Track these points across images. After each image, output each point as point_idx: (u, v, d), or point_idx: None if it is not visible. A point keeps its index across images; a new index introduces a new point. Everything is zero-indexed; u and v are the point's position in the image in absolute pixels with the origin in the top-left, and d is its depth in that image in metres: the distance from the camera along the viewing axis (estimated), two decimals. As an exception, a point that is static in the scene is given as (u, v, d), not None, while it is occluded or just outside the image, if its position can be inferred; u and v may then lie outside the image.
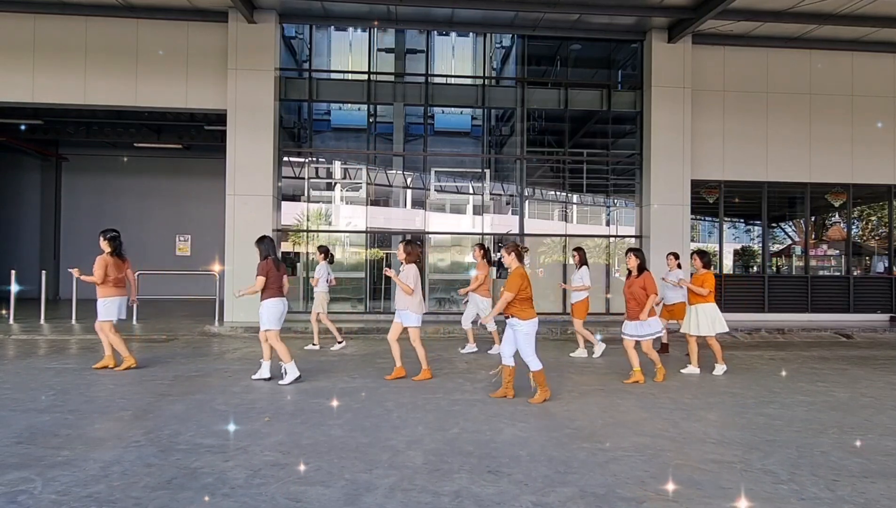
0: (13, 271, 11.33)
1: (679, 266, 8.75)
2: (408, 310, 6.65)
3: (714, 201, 12.81)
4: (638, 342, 6.83)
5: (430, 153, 12.90)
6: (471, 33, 13.17)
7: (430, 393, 6.06)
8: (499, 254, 6.58)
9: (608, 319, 11.88)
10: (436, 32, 12.85)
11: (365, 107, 12.96)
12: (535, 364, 5.74)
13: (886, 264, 13.44)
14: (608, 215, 13.54)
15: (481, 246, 8.74)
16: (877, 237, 14.63)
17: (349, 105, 13.25)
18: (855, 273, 13.31)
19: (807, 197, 13.04)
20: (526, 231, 12.74)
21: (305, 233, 12.61)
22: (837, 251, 13.81)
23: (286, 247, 12.68)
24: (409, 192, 13.60)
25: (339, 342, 8.96)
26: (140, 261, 13.46)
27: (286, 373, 6.45)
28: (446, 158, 13.54)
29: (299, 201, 12.82)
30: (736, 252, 14.21)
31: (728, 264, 13.68)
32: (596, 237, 13.52)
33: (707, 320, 7.28)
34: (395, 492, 3.53)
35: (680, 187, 12.10)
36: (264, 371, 6.65)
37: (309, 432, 4.70)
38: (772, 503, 3.46)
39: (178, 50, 11.47)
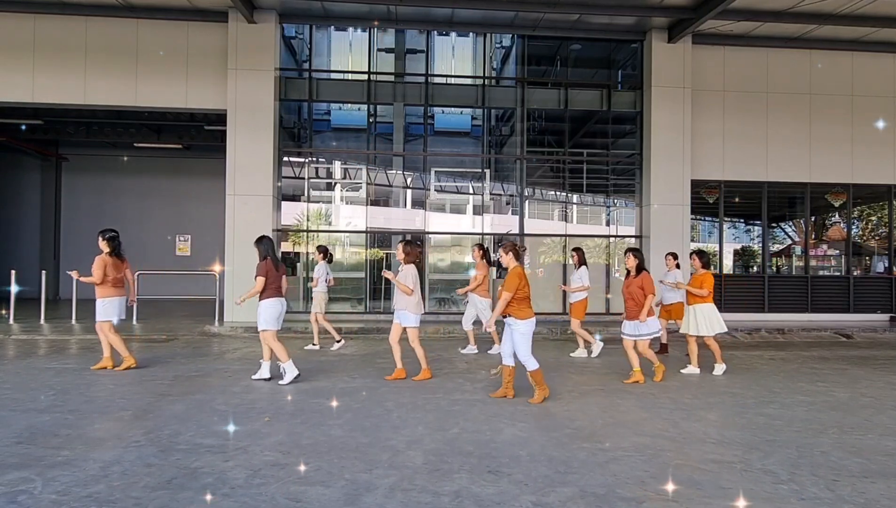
0: (13, 271, 11.34)
1: (678, 266, 8.74)
2: (406, 310, 6.64)
3: (714, 201, 12.81)
4: (636, 342, 6.83)
5: (430, 153, 12.90)
6: (471, 33, 13.17)
7: (430, 393, 6.06)
8: (497, 254, 6.57)
9: (608, 319, 11.89)
10: (436, 32, 12.85)
11: (365, 107, 12.96)
12: (531, 364, 5.74)
13: (886, 264, 13.45)
14: (608, 215, 13.54)
15: (480, 246, 8.74)
16: (877, 237, 14.63)
17: (349, 105, 13.26)
18: (855, 273, 13.31)
19: (807, 197, 13.04)
20: (526, 231, 12.74)
21: (305, 233, 12.61)
22: (837, 251, 13.81)
23: (286, 247, 12.69)
24: (409, 192, 13.60)
25: (338, 342, 8.96)
26: (140, 261, 13.48)
27: (285, 373, 6.45)
28: (446, 158, 13.54)
29: (299, 201, 12.83)
30: (736, 252, 14.21)
31: (728, 264, 13.69)
32: (596, 237, 13.53)
33: (705, 320, 7.28)
34: (395, 492, 3.53)
35: (680, 187, 12.10)
36: (264, 371, 6.65)
37: (309, 432, 4.70)
38: (772, 503, 3.46)
39: (178, 50, 11.48)
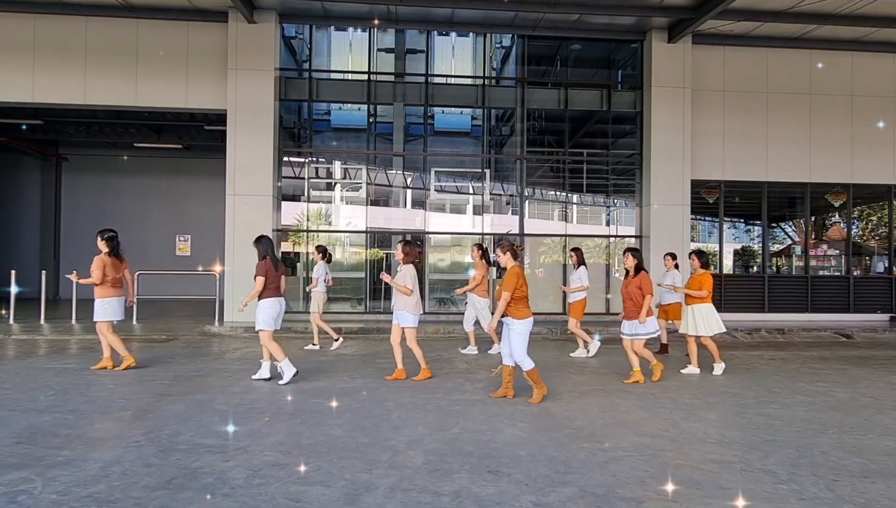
0: (13, 271, 11.33)
1: (676, 267, 8.72)
2: (404, 311, 6.64)
3: (714, 201, 12.81)
4: (632, 342, 6.83)
5: (430, 153, 12.90)
6: (471, 33, 13.17)
7: (430, 393, 6.06)
8: (495, 254, 6.56)
9: (608, 319, 11.88)
10: (436, 32, 12.85)
11: (365, 107, 12.96)
12: (526, 364, 5.74)
13: (886, 264, 13.45)
14: (608, 215, 13.54)
15: (479, 246, 8.74)
16: (877, 237, 14.63)
17: (349, 105, 13.26)
18: (855, 273, 13.31)
19: (807, 197, 13.04)
20: (526, 231, 12.74)
21: (305, 233, 12.61)
22: (837, 251, 13.81)
23: (286, 247, 12.69)
24: (409, 192, 13.60)
25: (336, 340, 8.95)
26: (140, 261, 13.50)
27: (283, 372, 6.45)
28: (446, 158, 13.54)
29: (299, 201, 12.83)
30: (736, 252, 14.21)
31: (728, 264, 13.69)
32: (596, 237, 13.53)
33: (704, 320, 7.27)
34: (395, 492, 3.53)
35: (680, 187, 12.10)
36: (264, 371, 6.65)
37: (309, 432, 4.70)
38: (772, 503, 3.46)
39: (178, 50, 11.47)
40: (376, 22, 12.09)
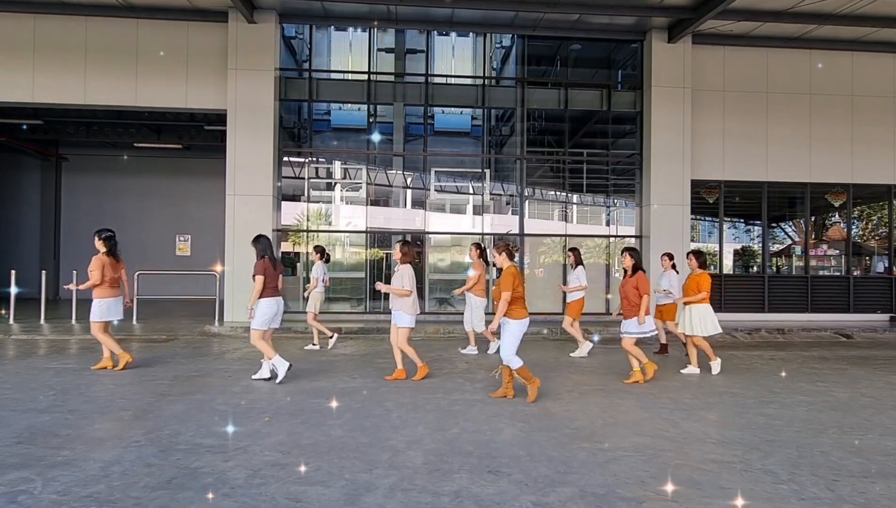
0: (13, 272, 11.33)
1: (674, 267, 8.70)
2: (401, 311, 6.64)
3: (714, 201, 12.81)
4: (623, 339, 6.84)
5: (430, 153, 12.90)
6: (471, 33, 13.17)
7: (430, 393, 6.06)
8: (491, 255, 6.57)
9: (608, 319, 11.88)
10: (436, 32, 12.85)
11: (365, 107, 12.96)
12: (514, 363, 5.74)
13: (886, 264, 13.44)
14: (608, 215, 13.54)
15: (477, 246, 8.73)
16: (877, 237, 14.63)
17: (349, 105, 13.26)
18: (855, 273, 13.31)
19: (807, 197, 13.04)
20: (526, 231, 12.74)
21: (305, 233, 12.61)
22: (837, 251, 13.81)
23: (286, 247, 12.69)
24: (409, 192, 13.60)
25: (330, 337, 8.95)
26: (140, 261, 13.51)
27: (275, 369, 6.46)
28: (446, 158, 13.53)
29: (299, 201, 12.82)
30: (736, 252, 14.21)
31: (728, 264, 13.68)
32: (596, 237, 13.53)
33: (700, 320, 7.26)
34: (395, 492, 3.53)
35: (680, 187, 12.10)
36: (264, 371, 6.65)
37: (309, 432, 4.70)
38: (772, 503, 3.46)
39: (178, 50, 11.47)
40: (376, 22, 12.09)
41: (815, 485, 3.72)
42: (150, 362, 7.64)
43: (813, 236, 13.71)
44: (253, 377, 6.68)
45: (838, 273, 13.45)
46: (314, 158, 13.20)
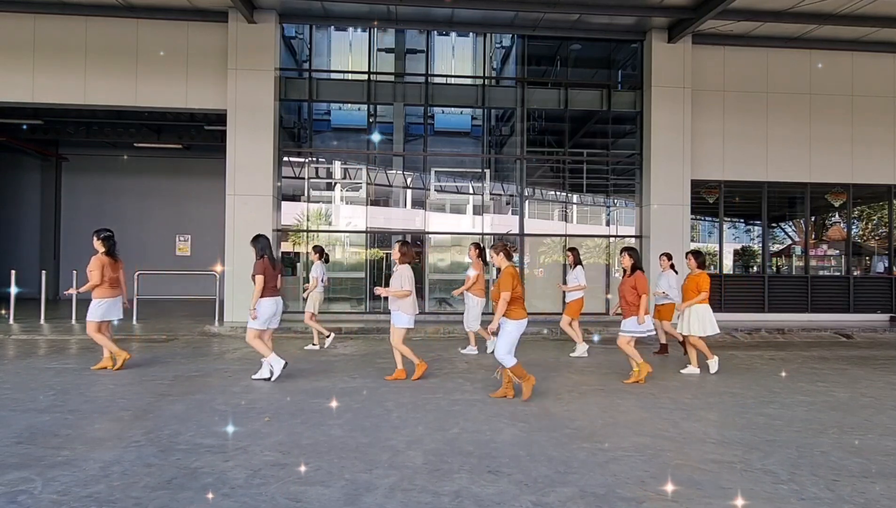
0: (13, 272, 11.33)
1: (672, 267, 8.70)
2: (399, 311, 6.64)
3: (714, 201, 12.81)
4: (619, 337, 6.84)
5: (430, 153, 12.90)
6: (471, 33, 13.17)
7: (430, 393, 6.06)
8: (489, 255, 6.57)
9: (608, 319, 11.88)
10: (436, 32, 12.85)
11: (365, 107, 12.96)
12: (508, 362, 5.76)
13: (886, 264, 13.45)
14: (608, 215, 13.54)
15: (476, 245, 8.73)
16: (877, 237, 14.63)
17: (349, 105, 13.26)
18: (855, 273, 13.31)
19: (807, 197, 13.04)
20: (526, 231, 12.74)
21: (305, 233, 12.61)
22: (837, 251, 13.81)
23: (286, 247, 12.69)
24: (409, 192, 13.60)
25: (327, 336, 8.95)
26: (140, 261, 13.52)
27: (272, 367, 6.47)
28: (446, 158, 13.54)
29: (299, 201, 12.82)
30: (736, 252, 14.21)
31: (728, 264, 13.68)
32: (596, 237, 13.53)
33: (698, 320, 7.26)
34: (395, 492, 3.53)
35: (680, 187, 12.10)
36: (264, 371, 6.65)
37: (309, 432, 4.70)
38: (772, 503, 3.46)
39: (178, 50, 11.47)
40: (376, 22, 12.09)
41: (815, 485, 3.72)
42: (150, 362, 7.64)
43: (813, 236, 13.71)
44: (253, 377, 6.68)
45: (838, 273, 13.45)
46: (314, 158, 13.21)
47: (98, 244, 7.11)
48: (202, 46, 11.52)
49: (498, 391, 5.98)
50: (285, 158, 12.28)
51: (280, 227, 12.03)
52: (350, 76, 13.08)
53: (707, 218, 13.59)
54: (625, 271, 6.96)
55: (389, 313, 6.86)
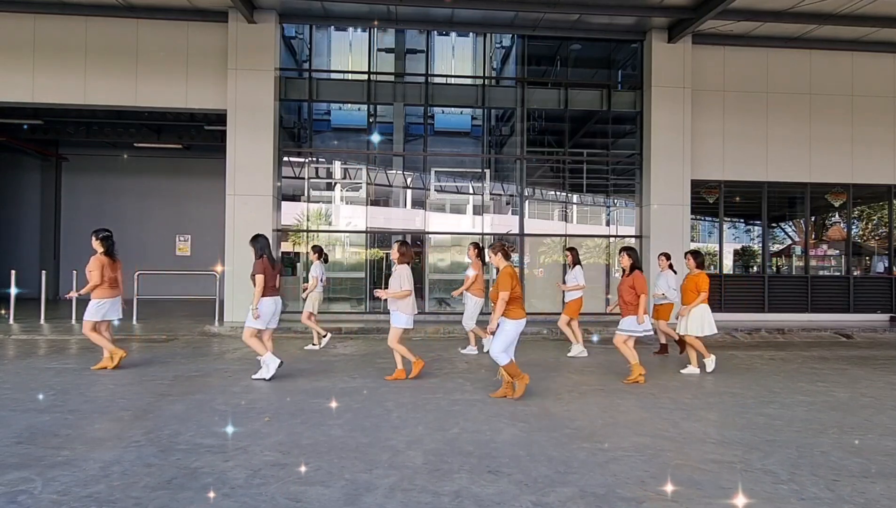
0: (13, 272, 11.33)
1: (671, 267, 8.69)
2: (398, 311, 6.64)
3: (714, 201, 12.81)
4: (615, 335, 6.85)
5: (430, 153, 12.90)
6: (471, 33, 13.17)
7: (430, 393, 6.06)
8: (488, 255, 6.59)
9: (608, 319, 11.87)
10: (436, 32, 12.85)
11: (365, 107, 12.96)
12: (502, 360, 5.77)
13: (886, 264, 13.45)
14: (608, 215, 13.54)
15: (476, 245, 8.73)
16: (877, 237, 14.63)
17: (349, 105, 13.26)
18: (855, 273, 13.31)
19: (807, 197, 13.04)
20: (526, 231, 12.74)
21: (305, 233, 12.61)
22: (837, 251, 13.81)
23: (286, 247, 12.69)
24: (409, 192, 13.61)
25: (324, 336, 8.95)
26: (140, 261, 13.52)
27: (267, 365, 6.47)
28: (446, 158, 13.54)
29: (299, 201, 12.83)
30: (736, 252, 14.21)
31: (728, 264, 13.69)
32: (596, 237, 13.53)
33: (697, 320, 7.26)
34: (395, 492, 3.53)
35: (680, 187, 12.10)
36: (264, 371, 6.65)
37: (309, 432, 4.70)
38: (772, 503, 3.46)
39: (178, 50, 11.47)
40: (376, 22, 12.09)
41: (815, 485, 3.72)
42: (150, 362, 7.64)
43: (813, 236, 13.71)
44: (253, 377, 6.68)
45: (838, 273, 13.45)
46: (314, 158, 13.21)
47: (97, 244, 7.11)
48: (202, 46, 11.52)
49: (498, 391, 5.98)
50: (285, 158, 12.28)
51: (280, 227, 12.03)
52: (350, 76, 13.09)
53: (707, 218, 13.59)
54: (624, 270, 6.97)
55: (389, 313, 6.86)
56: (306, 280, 9.74)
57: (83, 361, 7.60)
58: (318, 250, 9.03)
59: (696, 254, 7.55)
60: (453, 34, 13.19)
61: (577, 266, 8.64)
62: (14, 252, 16.83)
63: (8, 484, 3.56)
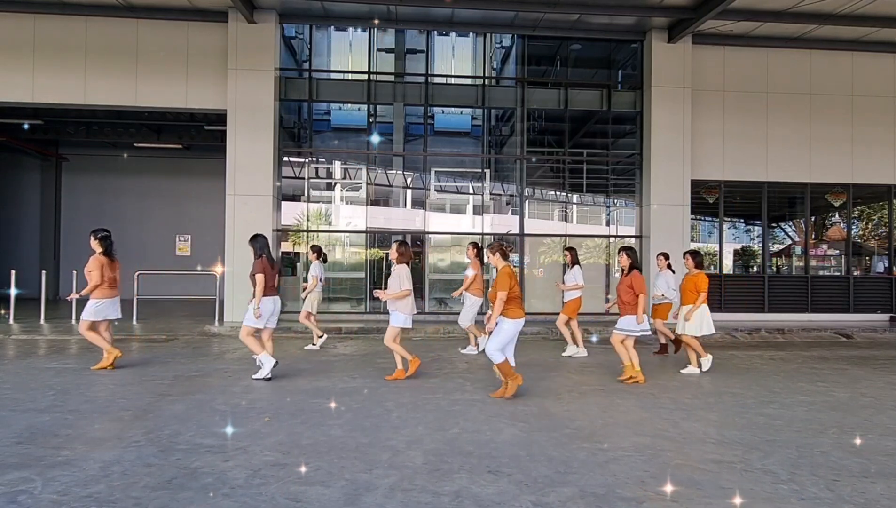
0: (13, 272, 11.33)
1: (670, 267, 8.70)
2: (396, 310, 6.64)
3: (714, 201, 12.81)
4: (613, 334, 6.84)
5: (430, 153, 12.90)
6: (471, 33, 13.17)
7: (430, 393, 6.06)
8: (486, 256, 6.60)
9: (607, 318, 11.87)
10: (436, 32, 12.85)
11: (365, 107, 12.96)
12: (496, 358, 5.78)
13: (886, 264, 13.45)
14: (608, 215, 13.54)
15: (475, 245, 8.73)
16: (877, 237, 14.63)
17: (349, 105, 13.26)
18: (855, 273, 13.31)
19: (807, 197, 13.04)
20: (526, 231, 12.74)
21: (305, 233, 12.61)
22: (837, 251, 13.81)
23: (286, 247, 12.69)
24: (409, 192, 13.61)
25: (320, 337, 8.95)
26: (140, 261, 13.52)
27: (261, 364, 6.48)
28: (446, 158, 13.54)
29: (299, 201, 12.83)
30: (736, 252, 14.21)
31: (728, 264, 13.69)
32: (596, 237, 13.53)
33: (696, 320, 7.25)
34: (395, 492, 3.53)
35: (680, 187, 12.10)
36: (264, 371, 6.65)
37: (309, 432, 4.70)
38: (772, 503, 3.46)
39: (178, 50, 11.47)
40: (376, 22, 12.09)
41: (815, 485, 3.72)
42: (149, 362, 7.64)
43: (813, 236, 13.71)
44: (253, 377, 6.68)
45: (838, 273, 13.45)
46: (314, 158, 13.21)
47: (95, 244, 7.11)
48: (202, 46, 11.52)
49: (498, 391, 5.98)
50: (285, 158, 12.28)
51: (280, 227, 12.03)
52: (350, 76, 13.09)
53: (707, 218, 13.59)
54: (623, 270, 6.97)
55: (389, 313, 6.86)
56: (306, 280, 9.74)
57: (83, 361, 7.60)
58: (317, 250, 9.04)
59: (694, 254, 7.55)
60: (453, 34, 13.19)
61: (577, 266, 8.65)
62: (14, 252, 16.83)
63: (8, 484, 3.56)
